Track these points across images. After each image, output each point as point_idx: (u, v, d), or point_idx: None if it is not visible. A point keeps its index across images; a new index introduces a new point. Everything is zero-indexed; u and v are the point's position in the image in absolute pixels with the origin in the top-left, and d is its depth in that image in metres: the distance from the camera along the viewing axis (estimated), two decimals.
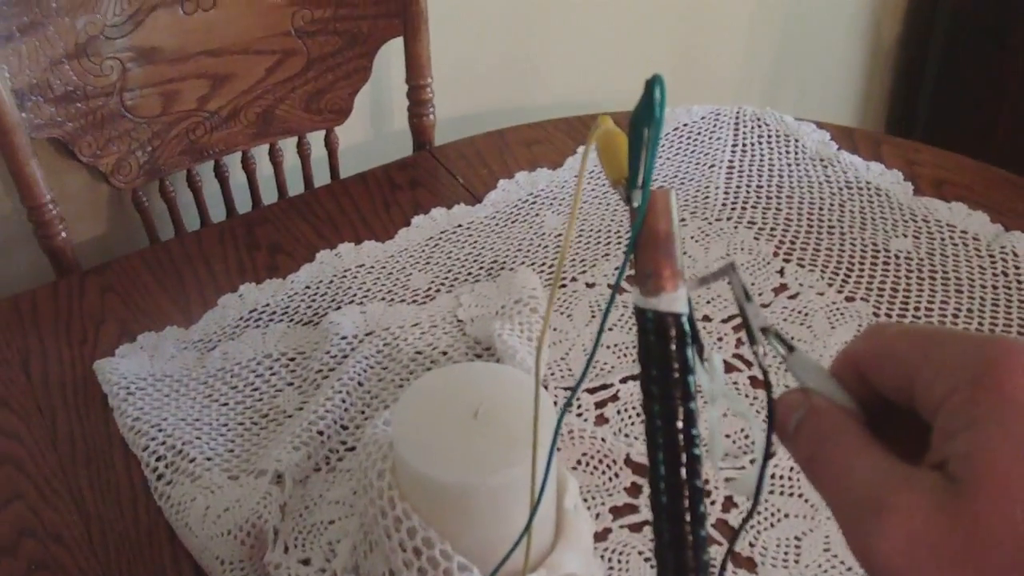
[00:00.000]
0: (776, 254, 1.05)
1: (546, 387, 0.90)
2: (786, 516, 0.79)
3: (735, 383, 0.91)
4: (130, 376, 0.93)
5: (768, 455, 0.38)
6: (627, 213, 1.08)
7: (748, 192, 1.15)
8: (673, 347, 0.38)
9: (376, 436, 0.71)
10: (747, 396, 0.89)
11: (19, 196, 1.14)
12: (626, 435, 0.86)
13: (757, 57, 1.96)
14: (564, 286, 1.02)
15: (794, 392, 0.38)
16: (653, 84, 0.36)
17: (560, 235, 1.09)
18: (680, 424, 0.37)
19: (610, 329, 0.96)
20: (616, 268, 1.04)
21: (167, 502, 0.82)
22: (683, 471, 0.37)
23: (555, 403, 0.88)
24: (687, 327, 0.38)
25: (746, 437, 0.85)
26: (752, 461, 0.83)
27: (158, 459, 0.85)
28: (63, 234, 1.18)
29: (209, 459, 0.84)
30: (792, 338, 0.92)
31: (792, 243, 1.07)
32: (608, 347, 0.94)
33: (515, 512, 0.65)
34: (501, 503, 0.64)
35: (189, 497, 0.81)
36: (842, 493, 0.35)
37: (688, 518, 0.37)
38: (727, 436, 0.85)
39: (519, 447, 0.64)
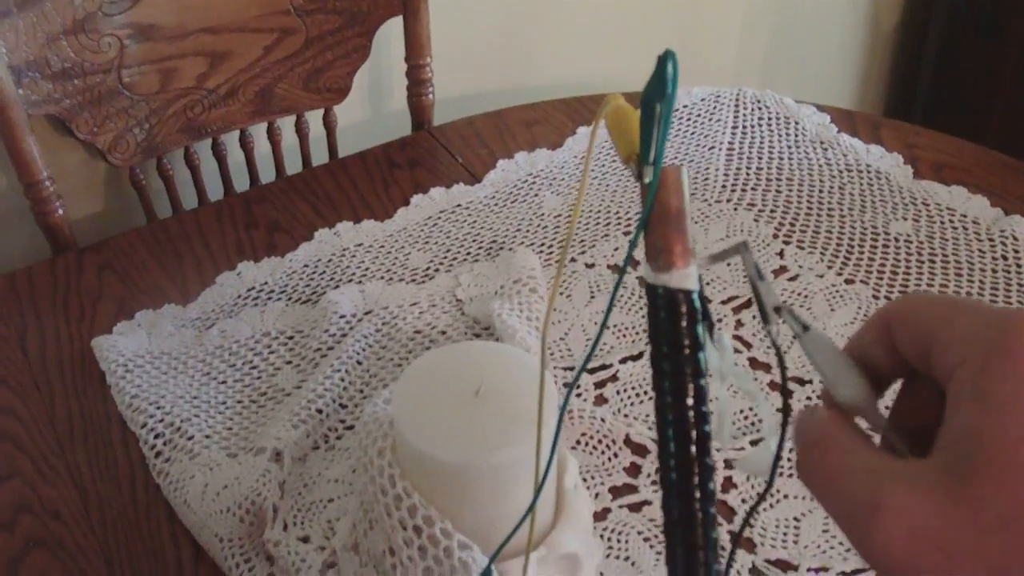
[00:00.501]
0: (776, 236, 1.05)
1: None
2: (785, 497, 0.79)
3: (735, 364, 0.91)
4: (128, 353, 0.93)
5: (784, 436, 0.38)
6: (627, 194, 1.09)
7: (748, 174, 1.15)
8: (684, 324, 0.37)
9: (376, 414, 0.71)
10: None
11: (16, 173, 1.14)
12: (625, 415, 0.86)
13: (755, 40, 1.96)
14: (564, 266, 1.02)
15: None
16: (665, 59, 0.35)
17: (559, 215, 1.09)
18: (690, 401, 0.37)
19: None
20: (616, 249, 1.04)
21: (165, 479, 0.82)
22: (693, 448, 0.37)
23: (557, 383, 0.88)
24: (698, 304, 0.38)
25: (749, 417, 0.85)
26: (757, 440, 0.83)
27: (156, 436, 0.85)
28: (60, 211, 1.17)
29: (207, 437, 0.84)
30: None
31: (792, 225, 1.07)
32: (608, 327, 0.94)
33: (515, 491, 0.65)
34: (502, 482, 0.64)
35: (188, 474, 0.81)
36: (837, 497, 0.34)
37: (698, 495, 0.37)
38: (733, 415, 0.86)
39: (520, 426, 0.64)
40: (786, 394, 0.38)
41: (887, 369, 0.37)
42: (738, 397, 0.87)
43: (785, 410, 0.38)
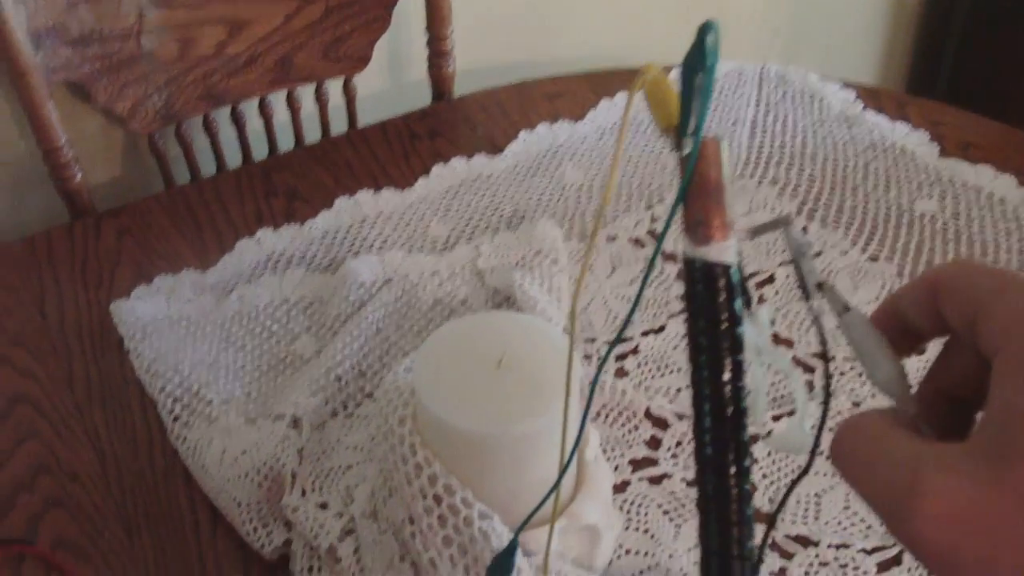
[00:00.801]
0: (799, 212, 1.04)
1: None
2: (806, 474, 0.78)
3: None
4: (146, 318, 0.93)
5: (826, 413, 0.37)
6: (648, 168, 1.08)
7: (771, 150, 1.14)
8: (721, 298, 0.37)
9: (397, 383, 0.71)
10: None
11: (35, 138, 1.13)
12: (646, 388, 0.85)
13: (777, 15, 1.94)
14: (584, 239, 1.01)
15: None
16: (705, 31, 0.35)
17: (581, 188, 1.08)
18: (727, 376, 0.37)
19: (630, 283, 0.95)
20: (637, 222, 1.03)
21: (184, 444, 0.82)
22: (729, 424, 0.37)
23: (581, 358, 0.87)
24: (736, 278, 0.37)
25: (781, 394, 0.85)
26: (788, 416, 0.82)
27: (174, 401, 0.85)
28: (78, 177, 1.17)
29: (226, 402, 0.84)
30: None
31: (816, 202, 1.06)
32: (629, 300, 0.93)
33: (536, 462, 0.65)
34: (523, 452, 0.64)
35: (206, 439, 0.80)
36: (873, 482, 0.33)
37: (733, 471, 0.37)
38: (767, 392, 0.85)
39: (542, 397, 0.64)
40: (828, 374, 0.37)
41: (925, 330, 0.37)
42: (770, 374, 0.86)
43: (827, 388, 0.37)
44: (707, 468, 0.37)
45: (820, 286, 0.38)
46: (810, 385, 0.86)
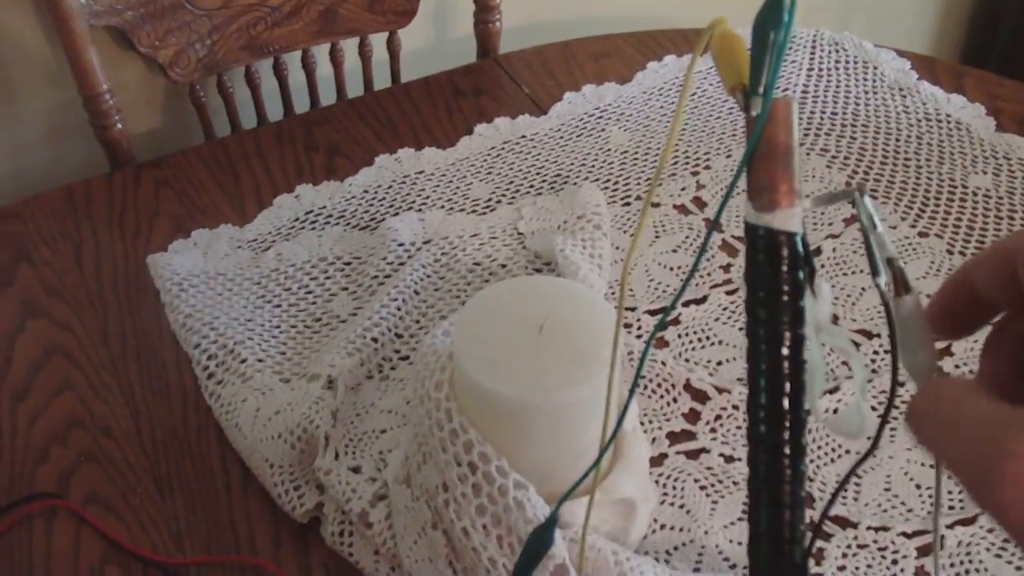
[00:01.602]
0: (848, 184, 1.02)
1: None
2: (847, 452, 0.76)
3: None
4: (183, 272, 0.92)
5: (893, 395, 0.35)
6: (695, 133, 1.06)
7: (822, 119, 1.11)
8: (784, 268, 0.35)
9: (434, 346, 0.70)
10: None
11: (76, 84, 1.12)
12: (686, 360, 0.83)
13: None
14: (628, 204, 0.99)
15: None
16: None
17: (626, 152, 1.06)
18: (786, 351, 0.35)
19: (673, 251, 0.93)
20: (683, 188, 1.00)
21: (217, 401, 0.81)
22: (786, 400, 0.35)
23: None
24: (800, 248, 0.35)
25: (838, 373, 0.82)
26: (848, 398, 0.80)
27: (209, 358, 0.84)
28: (119, 125, 1.16)
29: (260, 360, 0.83)
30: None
31: (866, 174, 1.03)
32: (671, 269, 0.91)
33: (575, 431, 0.64)
34: (562, 421, 0.62)
35: (239, 398, 0.79)
36: (957, 447, 0.32)
37: (788, 450, 0.35)
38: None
39: (583, 365, 0.62)
40: (896, 353, 0.35)
41: (999, 300, 0.36)
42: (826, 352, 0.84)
43: (895, 369, 0.35)
44: (760, 446, 0.35)
45: (890, 261, 0.36)
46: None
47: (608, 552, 0.64)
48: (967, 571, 0.69)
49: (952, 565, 0.69)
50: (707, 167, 1.04)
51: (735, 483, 0.75)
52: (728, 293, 0.88)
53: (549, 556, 0.61)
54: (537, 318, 0.64)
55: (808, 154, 1.05)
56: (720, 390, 0.80)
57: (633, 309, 0.88)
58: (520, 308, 0.65)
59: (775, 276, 0.35)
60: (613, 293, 0.89)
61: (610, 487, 0.66)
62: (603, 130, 1.09)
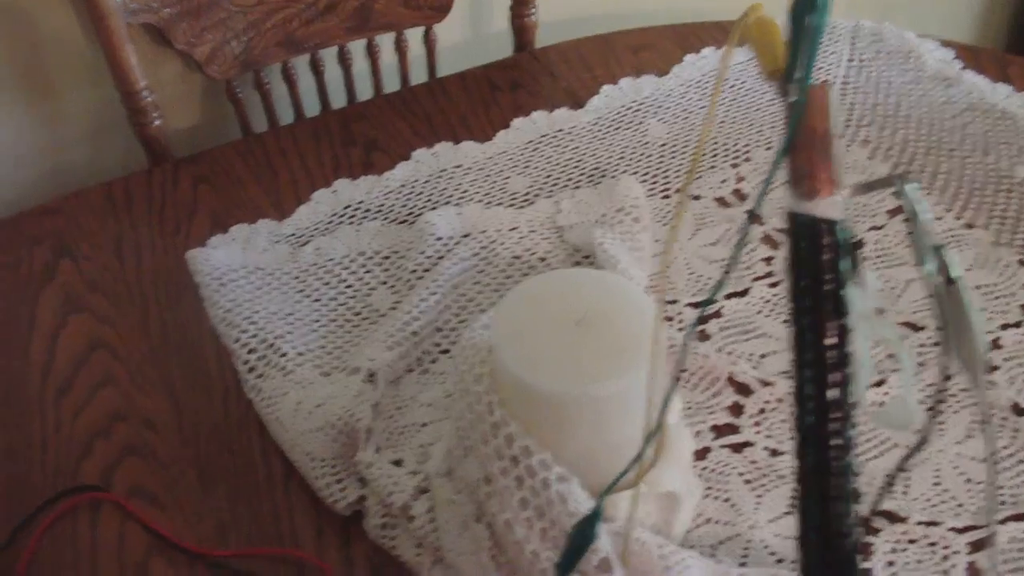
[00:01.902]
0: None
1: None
2: (895, 446, 0.75)
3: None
4: (222, 267, 0.92)
5: (943, 390, 0.35)
6: (735, 125, 1.05)
7: (863, 110, 1.09)
8: (826, 257, 0.34)
9: (474, 340, 0.69)
10: None
11: (114, 82, 1.13)
12: (728, 352, 0.83)
13: None
14: (667, 197, 0.98)
15: None
16: None
17: (664, 144, 1.05)
18: (831, 340, 0.34)
19: (714, 244, 0.93)
20: (723, 181, 1.00)
21: (258, 395, 0.81)
22: (832, 392, 0.34)
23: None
24: (842, 236, 0.35)
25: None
26: (895, 391, 0.79)
27: (250, 352, 0.84)
28: (157, 122, 1.17)
29: (301, 354, 0.83)
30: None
31: (909, 165, 1.02)
32: (712, 262, 0.91)
33: (616, 424, 0.63)
34: (603, 414, 0.62)
35: (280, 391, 0.80)
36: None
37: (835, 442, 0.34)
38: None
39: (623, 358, 0.62)
40: (945, 345, 0.35)
41: None
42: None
43: (944, 360, 0.35)
44: (807, 439, 0.34)
45: (937, 249, 0.35)
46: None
47: (653, 545, 0.63)
48: (1020, 568, 0.68)
49: (1005, 561, 0.68)
50: (747, 159, 1.03)
51: (780, 477, 0.74)
52: (771, 286, 0.88)
53: (593, 550, 0.61)
54: (576, 311, 0.64)
55: (849, 146, 1.04)
56: (764, 383, 0.80)
57: (674, 302, 0.87)
58: (559, 301, 0.65)
59: (817, 264, 0.34)
60: (653, 286, 0.88)
61: (654, 481, 0.66)
62: (641, 123, 1.08)
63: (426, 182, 1.02)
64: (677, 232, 0.88)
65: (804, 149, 0.35)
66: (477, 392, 0.64)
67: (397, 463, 0.74)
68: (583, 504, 0.61)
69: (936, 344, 0.81)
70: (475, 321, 0.74)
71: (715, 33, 1.24)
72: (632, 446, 0.66)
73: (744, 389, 0.80)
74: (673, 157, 1.03)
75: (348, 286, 0.90)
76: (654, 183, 1.00)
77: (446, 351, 0.84)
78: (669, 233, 0.92)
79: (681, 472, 0.68)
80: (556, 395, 0.61)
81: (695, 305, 0.87)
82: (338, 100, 1.33)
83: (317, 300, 0.89)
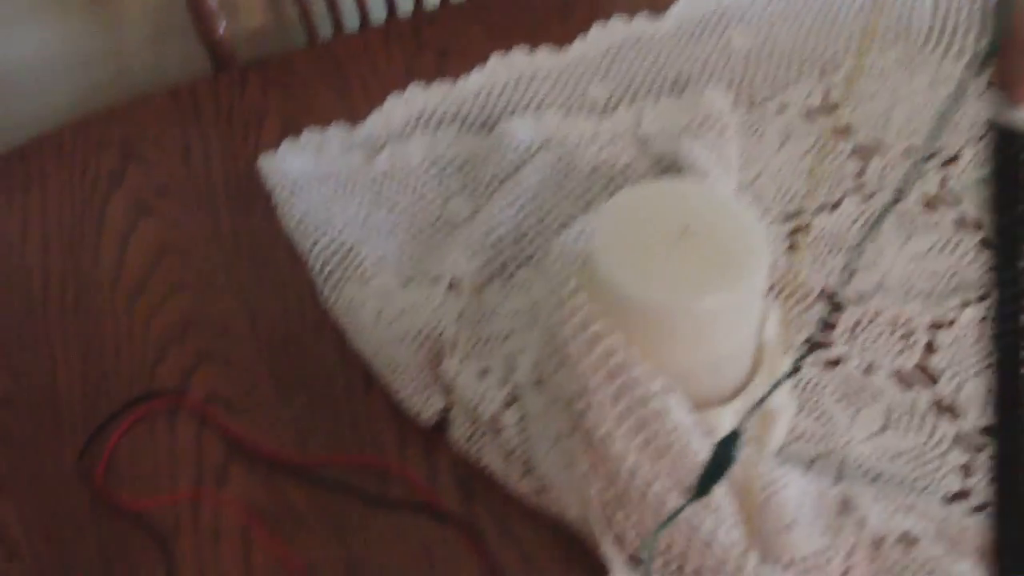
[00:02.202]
0: (989, 87, 0.96)
1: None
2: None
3: None
4: (294, 174, 0.90)
5: None
6: (823, 32, 1.00)
7: (959, 17, 1.04)
8: None
9: (566, 250, 0.67)
10: None
11: None
12: (820, 266, 0.80)
13: None
14: (752, 107, 0.95)
15: None
16: None
17: (748, 54, 1.01)
18: None
19: (802, 157, 0.89)
20: (809, 94, 0.96)
21: (337, 304, 0.79)
22: None
23: None
24: None
25: None
26: None
27: (326, 260, 0.82)
28: (222, 27, 1.14)
29: (379, 262, 0.81)
30: None
31: None
32: (800, 175, 0.88)
33: (719, 338, 0.62)
34: (704, 328, 0.60)
35: (360, 300, 0.78)
36: None
37: None
38: None
39: (730, 270, 0.60)
40: None
41: None
42: None
43: None
44: (1005, 361, 0.32)
45: None
46: None
47: (752, 463, 0.62)
48: None
49: None
50: (835, 68, 0.99)
51: (875, 395, 0.72)
52: (863, 199, 0.85)
53: (694, 466, 0.59)
54: (678, 222, 0.61)
55: (943, 58, 1.00)
56: (858, 297, 0.77)
57: (763, 214, 0.84)
58: (659, 212, 0.63)
59: (1015, 179, 0.32)
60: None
61: (752, 396, 0.64)
62: (724, 31, 1.04)
63: (503, 89, 0.98)
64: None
65: (1009, 54, 0.32)
66: (573, 305, 0.62)
67: (483, 373, 0.72)
68: (687, 416, 0.60)
69: None
70: (567, 231, 0.71)
71: None
72: (731, 362, 0.64)
73: (836, 304, 0.77)
74: (758, 67, 0.99)
75: (424, 195, 0.88)
76: (738, 93, 0.97)
77: (528, 259, 0.81)
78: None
79: (779, 388, 0.66)
80: (660, 307, 0.59)
81: (787, 218, 0.84)
82: (405, 5, 1.30)
83: (393, 208, 0.87)
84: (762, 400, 0.42)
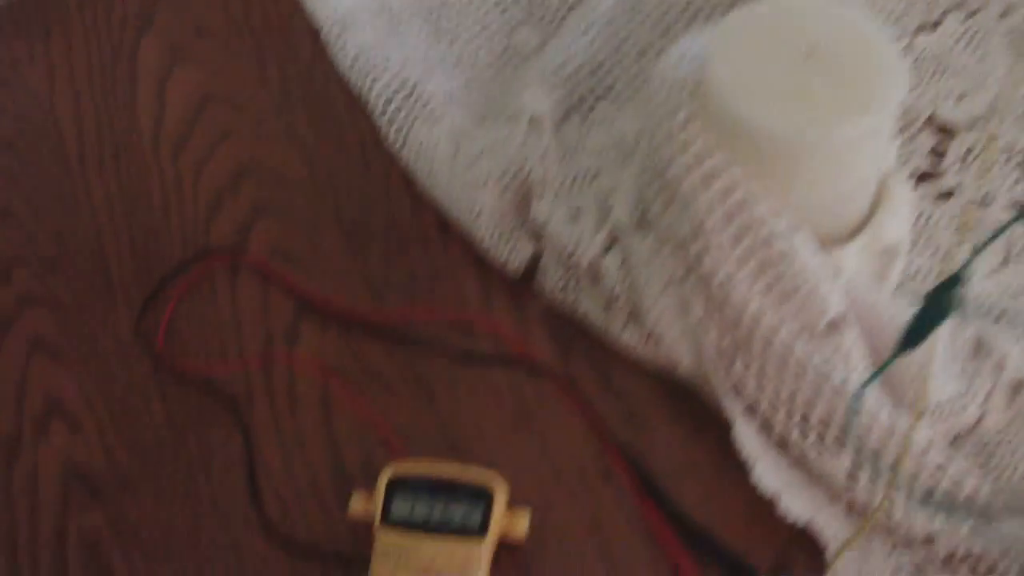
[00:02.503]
0: None
1: None
2: None
3: None
4: (344, 9, 0.82)
5: None
6: None
7: None
8: None
9: (670, 76, 0.61)
10: None
11: None
12: (923, 91, 0.74)
13: None
14: None
15: None
16: None
17: None
18: None
19: None
20: None
21: (404, 146, 0.73)
22: None
23: None
24: None
25: None
26: None
27: (388, 99, 0.76)
28: None
29: (447, 100, 0.75)
30: None
31: None
32: None
33: (843, 172, 0.56)
34: (839, 158, 0.55)
35: (431, 141, 0.72)
36: None
37: None
38: None
39: (864, 93, 0.54)
40: None
41: None
42: None
43: None
44: None
45: None
46: None
47: (882, 303, 0.57)
48: None
49: None
50: None
51: (989, 229, 0.67)
52: (966, 16, 0.78)
53: (822, 311, 0.55)
54: (803, 43, 0.55)
55: None
56: (971, 123, 0.71)
57: None
58: (779, 32, 0.57)
59: None
60: None
61: (875, 233, 0.59)
62: None
63: None
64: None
65: None
66: (684, 137, 0.57)
67: (575, 217, 0.67)
68: (813, 258, 0.55)
69: None
70: (669, 54, 0.64)
71: None
72: (858, 195, 0.59)
73: (946, 130, 0.72)
74: None
75: (486, 26, 0.81)
76: None
77: (608, 90, 0.75)
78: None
79: (902, 223, 0.61)
80: (789, 137, 0.53)
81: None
82: None
83: (454, 41, 0.80)
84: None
